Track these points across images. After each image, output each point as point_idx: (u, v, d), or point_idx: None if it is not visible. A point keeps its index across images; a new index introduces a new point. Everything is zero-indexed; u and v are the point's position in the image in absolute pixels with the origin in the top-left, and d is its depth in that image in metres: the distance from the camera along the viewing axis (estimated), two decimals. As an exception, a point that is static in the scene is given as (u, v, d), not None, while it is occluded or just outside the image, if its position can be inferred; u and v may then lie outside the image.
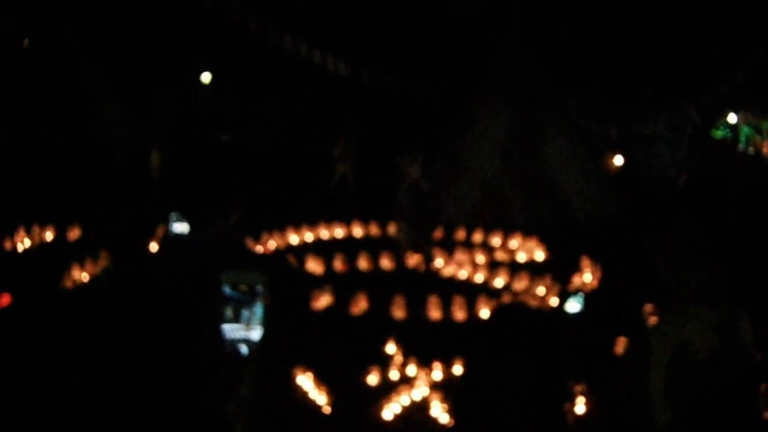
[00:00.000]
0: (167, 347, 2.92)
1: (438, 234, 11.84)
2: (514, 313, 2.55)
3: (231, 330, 2.68)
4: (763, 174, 22.13)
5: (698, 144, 22.49)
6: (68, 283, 8.82)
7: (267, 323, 2.70)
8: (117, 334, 3.01)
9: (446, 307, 8.45)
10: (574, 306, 3.51)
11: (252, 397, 2.91)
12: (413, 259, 10.56)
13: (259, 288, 2.67)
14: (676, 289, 2.84)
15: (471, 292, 9.03)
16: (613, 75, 22.93)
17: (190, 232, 3.06)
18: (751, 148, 28.58)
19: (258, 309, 2.68)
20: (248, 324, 2.68)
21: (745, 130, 28.89)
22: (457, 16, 22.14)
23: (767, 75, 20.32)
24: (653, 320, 6.52)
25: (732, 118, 28.61)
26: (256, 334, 2.69)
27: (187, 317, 2.88)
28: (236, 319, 2.67)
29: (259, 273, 2.70)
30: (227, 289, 2.66)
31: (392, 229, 11.86)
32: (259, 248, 10.46)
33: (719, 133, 28.97)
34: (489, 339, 2.44)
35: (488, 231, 12.06)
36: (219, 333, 2.69)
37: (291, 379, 5.45)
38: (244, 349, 2.70)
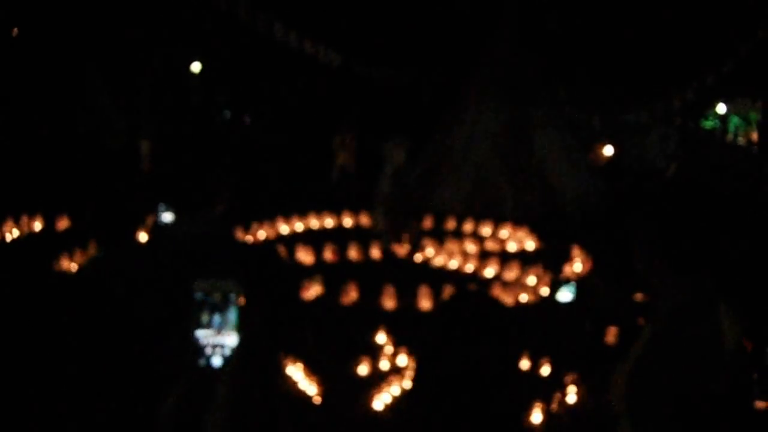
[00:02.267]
0: (133, 350, 2.82)
1: (427, 223, 11.81)
2: (467, 299, 2.52)
3: (204, 336, 2.55)
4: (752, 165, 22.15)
5: (687, 134, 22.52)
6: (56, 273, 8.77)
7: (243, 329, 2.56)
8: (98, 326, 2.95)
9: (436, 297, 8.43)
10: (566, 295, 3.46)
11: (227, 409, 2.78)
12: (401, 249, 10.53)
13: (233, 296, 2.55)
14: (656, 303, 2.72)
15: (461, 281, 9.02)
16: (601, 65, 22.94)
17: (176, 222, 3.00)
18: (740, 138, 28.68)
19: (232, 314, 2.56)
20: (220, 330, 2.56)
21: (734, 120, 28.99)
22: (448, 8, 22.09)
23: (755, 66, 20.36)
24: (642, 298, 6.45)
25: (721, 108, 28.67)
26: (230, 339, 2.56)
27: (155, 319, 2.78)
28: (209, 324, 2.55)
29: (234, 282, 2.57)
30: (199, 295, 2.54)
31: (365, 218, 11.76)
32: (249, 238, 10.44)
33: (708, 124, 29.07)
34: (444, 325, 2.41)
35: (479, 221, 12.05)
36: (187, 341, 2.55)
37: (281, 371, 5.43)
38: (217, 360, 2.57)
